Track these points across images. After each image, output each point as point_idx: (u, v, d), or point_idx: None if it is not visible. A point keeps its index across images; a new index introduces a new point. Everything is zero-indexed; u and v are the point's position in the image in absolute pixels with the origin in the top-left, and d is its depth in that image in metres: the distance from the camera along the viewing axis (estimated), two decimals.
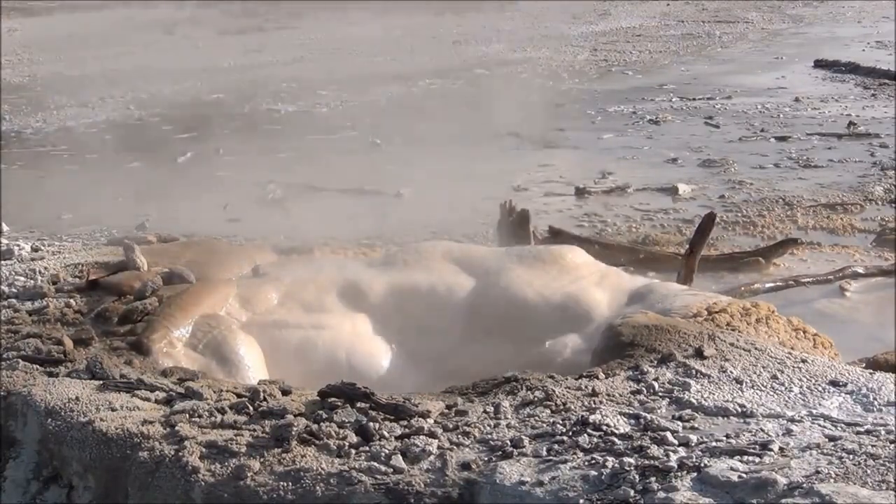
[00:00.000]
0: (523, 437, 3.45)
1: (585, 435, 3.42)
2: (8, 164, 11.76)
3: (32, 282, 5.47)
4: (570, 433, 3.46)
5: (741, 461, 3.20)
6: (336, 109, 15.47)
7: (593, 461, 3.25)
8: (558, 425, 3.53)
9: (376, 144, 12.57)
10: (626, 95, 15.34)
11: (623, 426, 3.49)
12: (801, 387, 3.83)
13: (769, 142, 12.01)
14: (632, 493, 3.07)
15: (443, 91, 16.84)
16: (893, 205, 9.03)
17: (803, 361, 4.05)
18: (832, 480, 3.04)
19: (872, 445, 3.28)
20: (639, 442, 3.36)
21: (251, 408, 3.79)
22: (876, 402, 3.67)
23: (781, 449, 3.28)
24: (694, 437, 3.38)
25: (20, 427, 3.93)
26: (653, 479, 3.12)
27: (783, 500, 2.93)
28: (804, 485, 2.99)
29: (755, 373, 3.95)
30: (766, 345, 4.25)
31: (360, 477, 3.29)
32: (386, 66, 20.34)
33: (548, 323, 5.02)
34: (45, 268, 5.70)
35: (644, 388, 3.84)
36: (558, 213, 8.86)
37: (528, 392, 3.85)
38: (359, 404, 3.73)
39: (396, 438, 3.51)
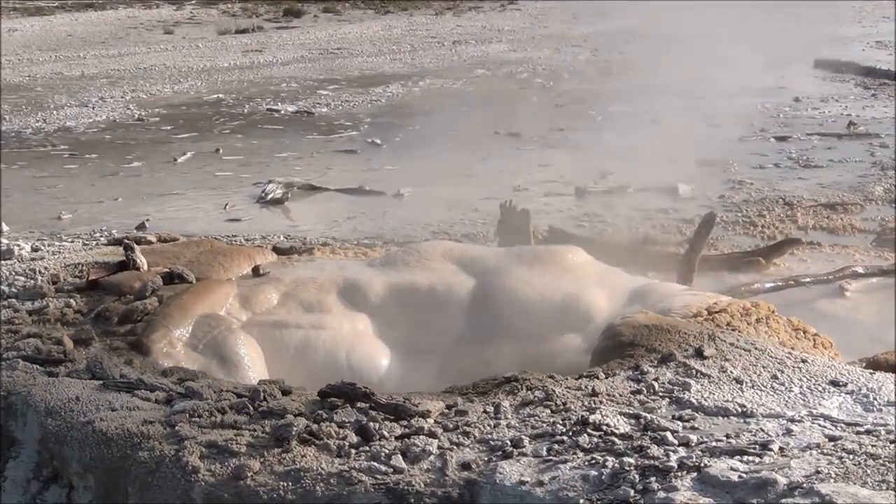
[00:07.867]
0: (523, 437, 3.45)
1: (585, 435, 3.42)
2: (8, 164, 11.76)
3: (32, 282, 5.46)
4: (571, 433, 3.46)
5: (741, 461, 3.20)
6: (336, 109, 15.48)
7: (593, 461, 3.25)
8: (558, 425, 3.53)
9: (376, 144, 12.58)
10: (626, 95, 15.33)
11: (623, 426, 3.49)
12: (801, 387, 3.82)
13: (769, 142, 12.01)
14: (632, 492, 3.06)
15: (443, 91, 16.85)
16: (893, 205, 9.03)
17: (803, 361, 4.05)
18: (832, 480, 3.03)
19: (872, 445, 3.27)
20: (639, 442, 3.36)
21: (251, 408, 3.78)
22: (876, 402, 3.67)
23: (781, 449, 3.28)
24: (694, 437, 3.38)
25: (20, 427, 3.93)
26: (653, 478, 3.12)
27: (783, 500, 2.93)
28: (804, 485, 2.98)
29: (755, 373, 3.94)
30: (766, 345, 4.25)
31: (360, 477, 3.29)
32: (386, 66, 20.35)
33: (548, 323, 5.02)
34: (45, 268, 5.69)
35: (644, 388, 3.84)
36: (558, 213, 8.85)
37: (528, 392, 3.85)
38: (359, 404, 3.73)
39: (396, 438, 3.51)
